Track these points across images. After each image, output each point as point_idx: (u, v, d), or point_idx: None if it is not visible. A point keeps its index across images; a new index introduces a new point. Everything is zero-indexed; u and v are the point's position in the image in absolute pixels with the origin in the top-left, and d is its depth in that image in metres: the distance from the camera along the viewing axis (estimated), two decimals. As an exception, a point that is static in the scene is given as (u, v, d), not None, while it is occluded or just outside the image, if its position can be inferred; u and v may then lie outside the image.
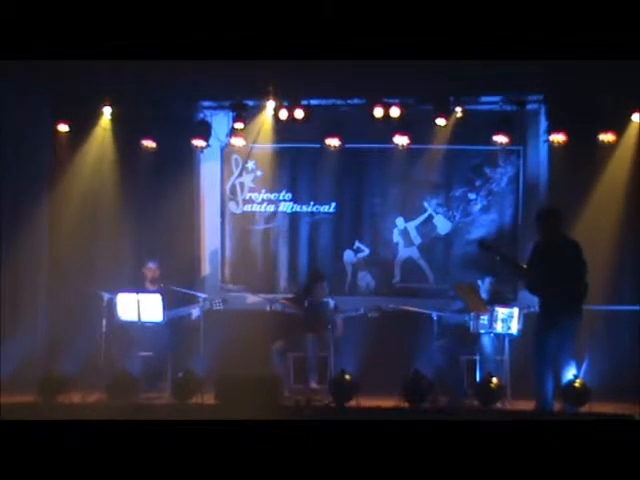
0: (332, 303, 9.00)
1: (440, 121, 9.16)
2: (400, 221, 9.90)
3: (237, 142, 9.55)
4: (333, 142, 9.35)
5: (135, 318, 8.42)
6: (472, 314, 8.40)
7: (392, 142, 9.33)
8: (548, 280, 7.62)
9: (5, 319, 9.00)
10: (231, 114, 9.44)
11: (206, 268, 10.09)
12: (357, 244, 9.94)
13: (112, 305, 8.48)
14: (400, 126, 9.24)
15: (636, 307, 8.75)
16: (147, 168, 9.59)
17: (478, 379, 8.28)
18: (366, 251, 9.94)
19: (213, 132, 9.53)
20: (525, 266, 7.88)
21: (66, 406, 7.83)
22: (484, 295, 8.66)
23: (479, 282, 8.77)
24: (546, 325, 7.68)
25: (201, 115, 9.53)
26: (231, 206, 10.10)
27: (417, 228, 9.89)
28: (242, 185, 10.09)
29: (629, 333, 8.91)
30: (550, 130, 9.06)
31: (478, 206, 9.81)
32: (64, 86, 9.04)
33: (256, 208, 10.06)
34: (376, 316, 8.76)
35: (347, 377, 7.97)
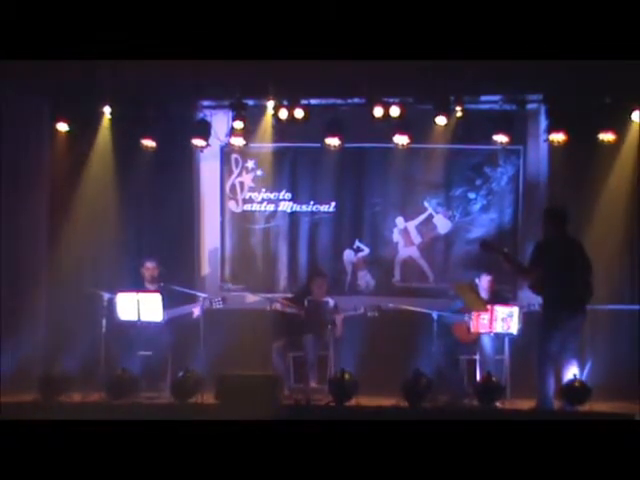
0: (332, 302, 9.00)
1: (440, 120, 9.16)
2: (400, 220, 9.91)
3: (237, 141, 9.56)
4: (333, 141, 9.34)
5: (135, 318, 8.42)
6: (472, 313, 8.41)
7: (392, 141, 9.31)
8: (551, 279, 7.63)
9: (5, 319, 9.00)
10: (231, 113, 9.43)
11: (206, 267, 10.10)
12: (357, 243, 9.94)
13: (112, 305, 8.48)
14: (400, 125, 9.23)
15: (636, 306, 8.76)
16: (147, 168, 9.59)
17: (478, 378, 8.29)
18: (366, 250, 9.94)
19: (213, 131, 9.52)
20: (527, 265, 7.89)
21: (66, 405, 7.83)
22: (484, 294, 8.67)
23: (478, 281, 8.79)
24: (549, 324, 7.68)
25: (201, 114, 9.53)
26: (231, 205, 10.10)
27: (417, 227, 9.89)
28: (242, 184, 10.10)
29: (629, 332, 8.90)
30: (550, 129, 9.05)
31: (478, 205, 9.81)
32: (64, 86, 9.05)
33: (256, 207, 10.06)
34: (376, 315, 8.77)
35: (347, 376, 7.96)
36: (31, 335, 9.12)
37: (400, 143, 9.30)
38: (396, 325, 9.20)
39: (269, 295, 9.40)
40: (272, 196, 10.03)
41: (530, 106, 9.31)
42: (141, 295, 8.47)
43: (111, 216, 9.67)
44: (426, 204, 9.87)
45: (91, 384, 8.21)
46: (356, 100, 9.37)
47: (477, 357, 8.50)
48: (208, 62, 7.55)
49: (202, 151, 9.66)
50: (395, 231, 9.93)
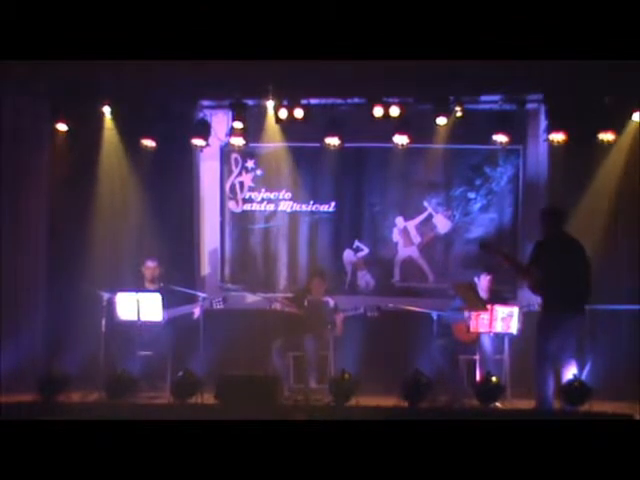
0: (332, 302, 8.99)
1: (440, 120, 9.17)
2: (400, 220, 9.92)
3: (237, 141, 9.56)
4: (333, 141, 9.34)
5: (135, 317, 8.42)
6: (471, 313, 8.40)
7: (392, 141, 9.32)
8: (550, 279, 7.62)
9: (5, 318, 8.99)
10: (231, 113, 9.43)
11: (206, 267, 10.11)
12: (357, 243, 9.95)
13: (112, 304, 8.48)
14: (400, 125, 9.24)
15: (636, 306, 8.75)
16: (147, 167, 9.60)
17: (478, 378, 8.28)
18: (366, 250, 9.95)
19: (213, 131, 9.53)
20: (527, 265, 7.88)
21: (66, 405, 7.82)
22: (483, 294, 8.67)
23: (478, 281, 8.79)
24: (548, 324, 7.67)
25: (201, 114, 9.53)
26: (231, 205, 10.11)
27: (417, 227, 9.90)
28: (242, 184, 10.10)
29: (629, 332, 8.91)
30: (550, 129, 9.06)
31: (478, 205, 9.83)
32: (64, 86, 9.05)
33: (256, 207, 10.08)
34: (376, 315, 8.78)
35: (347, 376, 7.96)
36: (31, 335, 9.13)
37: (400, 143, 9.31)
38: (396, 325, 9.21)
39: (269, 295, 9.42)
40: (272, 196, 10.04)
41: (530, 106, 9.32)
42: (141, 295, 8.47)
43: (111, 216, 9.67)
44: (426, 204, 9.88)
45: (91, 384, 8.21)
46: (356, 100, 9.39)
47: (477, 357, 8.49)
48: (208, 62, 7.55)
49: (202, 151, 9.67)
50: (395, 231, 9.94)
